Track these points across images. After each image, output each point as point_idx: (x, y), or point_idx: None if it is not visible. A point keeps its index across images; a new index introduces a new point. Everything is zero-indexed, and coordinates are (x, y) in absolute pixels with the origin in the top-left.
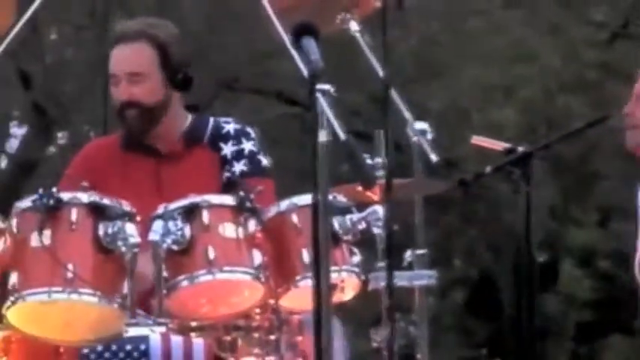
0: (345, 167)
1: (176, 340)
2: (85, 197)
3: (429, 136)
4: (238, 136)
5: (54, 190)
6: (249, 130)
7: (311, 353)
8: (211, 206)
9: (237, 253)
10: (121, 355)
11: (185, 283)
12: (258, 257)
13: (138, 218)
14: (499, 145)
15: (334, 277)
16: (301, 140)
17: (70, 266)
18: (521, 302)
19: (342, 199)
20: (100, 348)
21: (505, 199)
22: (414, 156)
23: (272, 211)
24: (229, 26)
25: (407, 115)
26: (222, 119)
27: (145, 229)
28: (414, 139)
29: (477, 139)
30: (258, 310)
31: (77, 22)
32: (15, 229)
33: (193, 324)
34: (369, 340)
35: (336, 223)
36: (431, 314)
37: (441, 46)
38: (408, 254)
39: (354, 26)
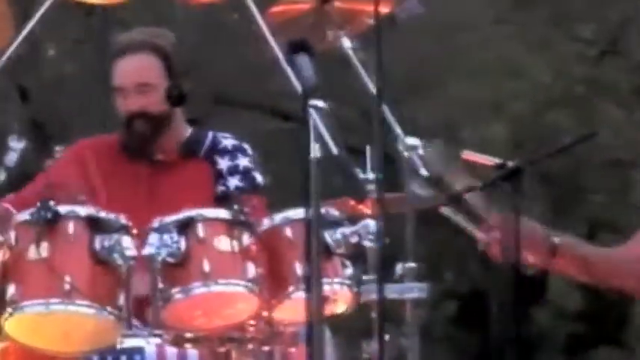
0: (338, 181)
1: (171, 351)
2: (82, 210)
3: (420, 151)
4: (235, 152)
5: (51, 203)
6: (245, 146)
7: None
8: (206, 220)
9: (232, 266)
10: None
11: (180, 295)
12: (252, 270)
13: (134, 231)
14: (489, 161)
15: (326, 289)
16: (294, 155)
17: (67, 278)
18: (511, 315)
19: (334, 212)
20: (95, 358)
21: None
22: (405, 171)
23: (266, 224)
24: (223, 42)
25: (398, 130)
26: (221, 134)
27: (139, 239)
28: (405, 154)
29: (468, 154)
30: (252, 322)
31: (75, 37)
32: (13, 242)
33: (188, 335)
34: (360, 352)
35: (328, 236)
36: (422, 326)
37: (431, 62)
38: (399, 267)
39: (346, 43)
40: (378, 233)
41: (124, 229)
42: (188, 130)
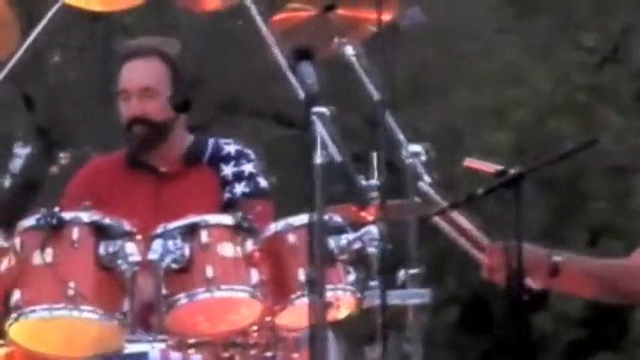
0: (341, 188)
1: (175, 356)
2: (86, 216)
3: (423, 158)
4: (238, 158)
5: (56, 209)
6: (248, 151)
7: None
8: (210, 226)
9: (235, 272)
10: None
11: (184, 300)
12: (255, 276)
13: (138, 237)
14: (491, 168)
15: (330, 295)
16: (298, 162)
17: (72, 284)
18: (512, 321)
19: (337, 219)
20: None
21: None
22: (408, 178)
23: (269, 230)
24: (228, 49)
25: (401, 137)
26: (223, 140)
27: (145, 247)
28: (408, 161)
29: (470, 162)
30: (255, 328)
31: (79, 45)
32: (18, 248)
33: (192, 341)
34: (363, 358)
35: (331, 242)
36: (424, 332)
37: (434, 69)
38: (402, 273)
39: (349, 50)
40: (380, 239)
41: (129, 235)
42: (190, 138)
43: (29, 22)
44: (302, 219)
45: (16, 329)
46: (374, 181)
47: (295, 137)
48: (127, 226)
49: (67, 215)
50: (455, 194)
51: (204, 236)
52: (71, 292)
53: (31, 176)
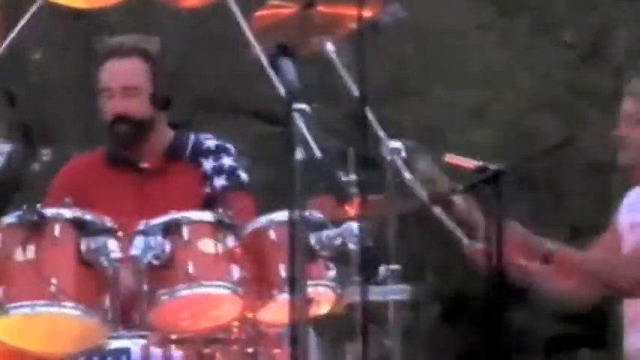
0: (321, 184)
1: (156, 352)
2: (68, 213)
3: (403, 154)
4: (218, 152)
5: (38, 206)
6: (228, 145)
7: None
8: (191, 222)
9: (217, 268)
10: None
11: (165, 297)
12: (236, 272)
13: (120, 234)
14: (471, 164)
15: (310, 291)
16: (278, 158)
17: (54, 280)
18: (493, 317)
19: (318, 215)
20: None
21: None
22: (388, 174)
23: (250, 227)
24: (208, 47)
25: (381, 133)
26: (203, 135)
27: (127, 244)
28: (388, 157)
29: (450, 157)
30: (236, 324)
31: (61, 43)
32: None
33: (173, 337)
34: (344, 354)
35: (312, 238)
36: (405, 328)
37: (414, 67)
38: (382, 269)
39: (330, 47)
40: (361, 235)
41: (110, 232)
42: (170, 135)
43: (10, 19)
44: (283, 215)
45: None
46: (353, 177)
47: (275, 134)
48: (108, 222)
49: (49, 212)
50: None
51: (185, 233)
52: (53, 289)
53: (12, 173)
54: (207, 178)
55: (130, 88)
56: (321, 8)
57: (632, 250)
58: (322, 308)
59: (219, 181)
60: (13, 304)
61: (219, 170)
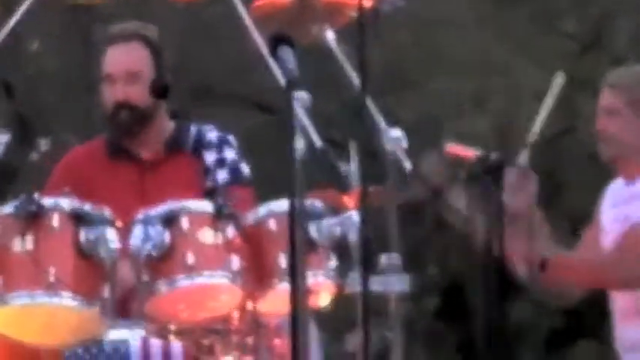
0: (321, 174)
1: (155, 343)
2: (66, 203)
3: (404, 144)
4: (221, 145)
5: (36, 196)
6: (230, 138)
7: (288, 356)
8: (190, 212)
9: (216, 258)
10: (101, 357)
11: (164, 287)
12: (236, 262)
13: (119, 224)
14: (472, 153)
15: (310, 281)
16: (277, 148)
17: (52, 271)
18: (492, 309)
19: (318, 205)
20: (80, 351)
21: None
22: (388, 164)
23: (250, 217)
24: (206, 36)
25: (381, 123)
26: (204, 127)
27: (125, 234)
28: (388, 146)
29: (451, 147)
30: (236, 314)
31: (58, 33)
32: None
33: (172, 327)
34: (343, 344)
35: (312, 228)
36: (405, 319)
37: (413, 58)
38: (383, 259)
39: (330, 36)
40: (361, 225)
41: (109, 222)
42: (171, 125)
43: (7, 9)
44: (283, 205)
45: None
46: (353, 167)
47: (275, 123)
48: (107, 213)
49: (47, 202)
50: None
51: (184, 223)
52: (51, 280)
53: (10, 163)
54: (208, 171)
55: (132, 73)
56: None
57: (620, 246)
58: (322, 299)
59: (221, 175)
60: (11, 295)
61: (221, 164)
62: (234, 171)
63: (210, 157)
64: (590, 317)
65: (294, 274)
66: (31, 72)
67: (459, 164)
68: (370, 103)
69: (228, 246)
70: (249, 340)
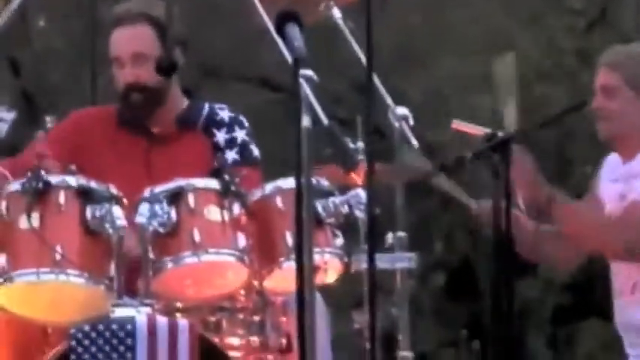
0: (328, 152)
1: (161, 320)
2: (73, 180)
3: (411, 121)
4: (232, 124)
5: (42, 173)
6: (242, 118)
7: (294, 334)
8: (197, 190)
9: (222, 236)
10: (107, 334)
11: (171, 265)
12: (242, 240)
13: (125, 201)
14: (479, 131)
15: (317, 259)
16: (285, 125)
17: (58, 248)
18: (499, 286)
19: (325, 182)
20: (86, 328)
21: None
22: (395, 141)
23: (256, 194)
24: (213, 14)
25: (388, 100)
26: (217, 105)
27: (133, 209)
28: (396, 124)
29: (457, 124)
30: (242, 292)
31: (64, 11)
32: (4, 212)
33: (178, 305)
34: (350, 322)
35: (319, 206)
36: (411, 296)
37: (420, 36)
38: (389, 237)
39: (336, 13)
40: (368, 203)
41: (115, 199)
42: (184, 103)
43: None
44: (290, 182)
45: (2, 293)
46: (360, 144)
47: (281, 101)
48: (113, 190)
49: (54, 179)
50: (442, 158)
51: (191, 200)
52: (57, 257)
53: (16, 140)
54: (218, 149)
55: (138, 55)
56: None
57: (621, 218)
58: (329, 276)
59: (231, 154)
60: (17, 272)
61: (231, 143)
62: (244, 151)
63: (220, 135)
64: (596, 294)
65: (301, 251)
66: (38, 48)
67: (466, 142)
68: (377, 81)
69: (235, 223)
70: (256, 317)
